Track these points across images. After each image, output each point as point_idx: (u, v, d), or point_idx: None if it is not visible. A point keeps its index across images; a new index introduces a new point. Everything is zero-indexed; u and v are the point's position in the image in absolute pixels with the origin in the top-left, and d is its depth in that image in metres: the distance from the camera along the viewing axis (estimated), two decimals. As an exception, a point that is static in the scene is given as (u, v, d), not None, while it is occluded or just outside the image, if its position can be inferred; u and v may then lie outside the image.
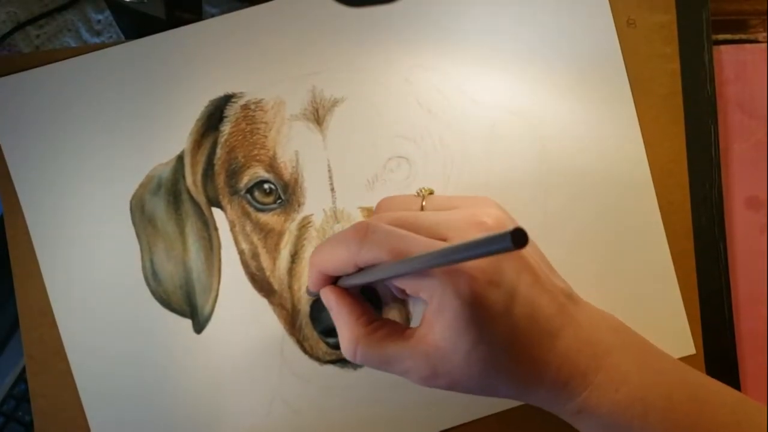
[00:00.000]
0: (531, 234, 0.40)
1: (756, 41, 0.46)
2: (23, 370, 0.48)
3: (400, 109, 0.42)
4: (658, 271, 0.43)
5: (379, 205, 0.39)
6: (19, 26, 0.47)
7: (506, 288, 0.30)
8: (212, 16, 0.44)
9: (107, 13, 0.47)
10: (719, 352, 0.43)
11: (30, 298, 0.42)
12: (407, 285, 0.32)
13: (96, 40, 0.47)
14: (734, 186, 0.45)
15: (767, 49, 0.45)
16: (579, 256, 0.42)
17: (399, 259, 0.30)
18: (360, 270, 0.33)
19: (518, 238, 0.21)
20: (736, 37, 0.46)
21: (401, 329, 0.33)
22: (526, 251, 0.32)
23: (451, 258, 0.25)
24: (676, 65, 0.43)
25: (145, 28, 0.43)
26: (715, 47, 0.44)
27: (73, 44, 0.47)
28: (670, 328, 0.43)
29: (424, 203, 0.36)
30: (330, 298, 0.34)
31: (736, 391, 0.33)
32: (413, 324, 0.41)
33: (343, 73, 0.42)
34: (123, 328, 0.42)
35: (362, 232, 0.31)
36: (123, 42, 0.43)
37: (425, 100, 0.42)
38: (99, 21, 0.47)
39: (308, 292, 0.41)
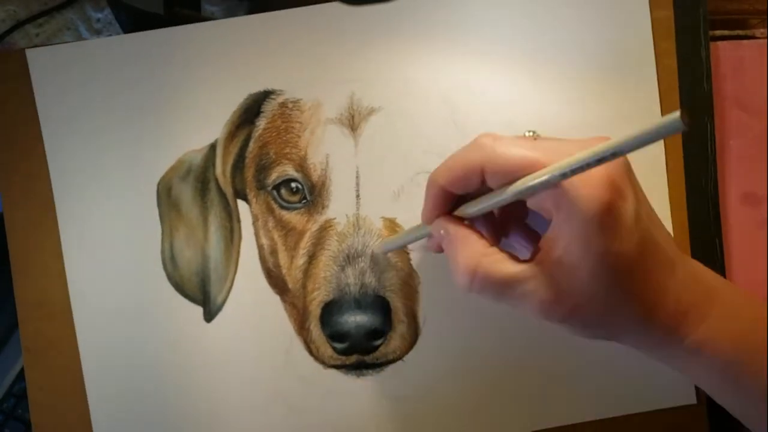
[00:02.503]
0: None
1: (754, 37, 0.45)
2: (23, 369, 0.47)
3: (435, 127, 0.42)
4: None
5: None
6: (19, 24, 0.47)
7: (631, 206, 0.29)
8: (211, 13, 0.43)
9: (107, 11, 0.47)
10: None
11: (27, 291, 0.42)
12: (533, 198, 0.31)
13: (95, 38, 0.47)
14: (731, 182, 0.44)
15: (767, 44, 0.45)
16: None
17: (536, 157, 0.29)
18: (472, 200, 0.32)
19: (687, 117, 0.21)
20: (734, 33, 0.45)
21: (517, 258, 0.32)
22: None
23: (618, 149, 0.25)
24: (672, 61, 0.43)
25: (143, 24, 0.42)
26: (712, 43, 0.43)
27: (73, 43, 0.47)
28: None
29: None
30: (446, 226, 0.33)
31: None
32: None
33: (383, 83, 0.42)
34: (134, 309, 0.42)
35: (491, 137, 0.31)
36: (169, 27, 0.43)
37: (461, 120, 0.42)
38: (98, 19, 0.47)
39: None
